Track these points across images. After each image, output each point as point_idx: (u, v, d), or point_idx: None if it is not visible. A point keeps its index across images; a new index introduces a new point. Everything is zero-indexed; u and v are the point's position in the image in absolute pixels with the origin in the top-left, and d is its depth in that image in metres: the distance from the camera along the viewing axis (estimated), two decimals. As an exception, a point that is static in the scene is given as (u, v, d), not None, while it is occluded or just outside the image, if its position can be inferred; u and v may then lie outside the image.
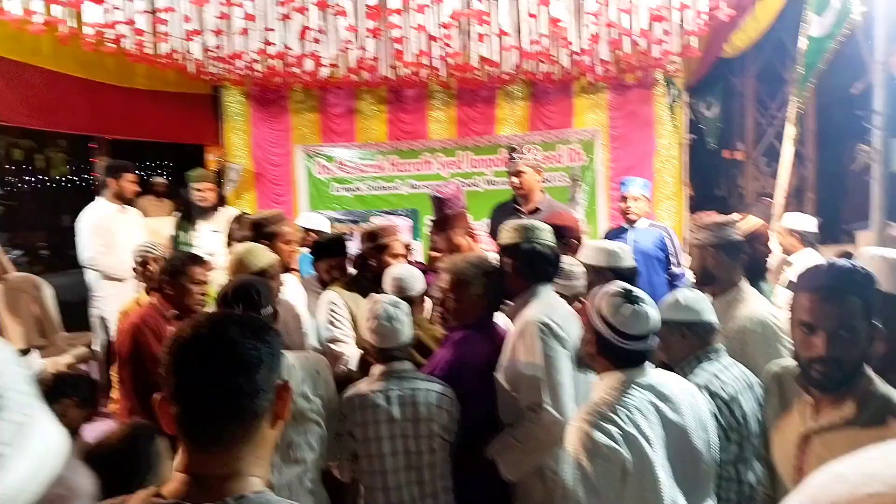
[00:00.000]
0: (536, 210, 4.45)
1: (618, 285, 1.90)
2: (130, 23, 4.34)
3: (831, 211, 6.84)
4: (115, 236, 4.57)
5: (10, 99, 5.10)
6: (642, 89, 7.28)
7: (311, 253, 3.73)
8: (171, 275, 3.08)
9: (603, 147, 7.41)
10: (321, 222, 4.96)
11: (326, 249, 3.56)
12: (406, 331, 2.40)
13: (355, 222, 7.48)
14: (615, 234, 4.50)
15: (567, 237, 3.25)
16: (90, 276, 5.17)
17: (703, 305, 2.21)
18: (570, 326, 2.36)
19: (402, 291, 2.77)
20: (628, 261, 2.86)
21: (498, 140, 7.50)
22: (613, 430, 1.73)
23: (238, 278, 2.48)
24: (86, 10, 4.25)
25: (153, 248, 3.92)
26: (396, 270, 2.95)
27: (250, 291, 2.27)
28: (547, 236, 2.53)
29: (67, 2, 4.19)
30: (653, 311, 1.87)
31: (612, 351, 1.86)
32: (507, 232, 2.57)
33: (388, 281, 2.89)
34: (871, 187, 3.20)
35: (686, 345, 2.19)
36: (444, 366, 2.50)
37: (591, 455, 1.72)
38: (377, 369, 2.42)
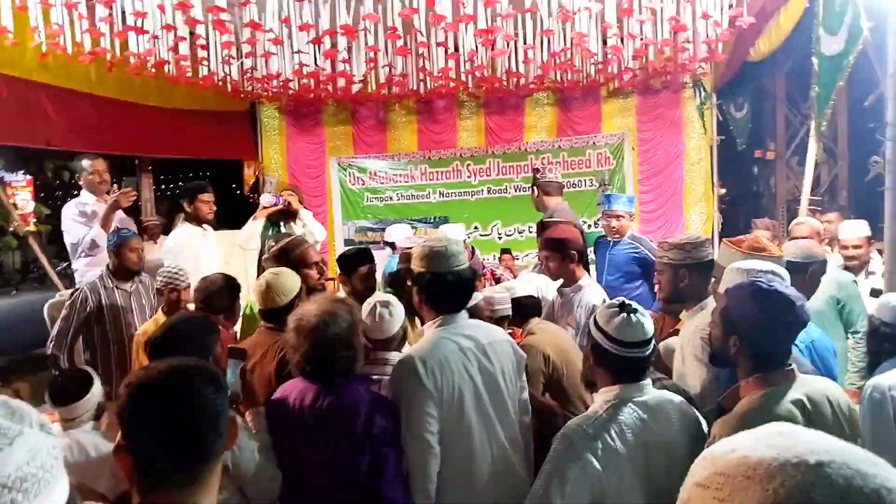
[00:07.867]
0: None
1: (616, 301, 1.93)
2: (173, 50, 4.58)
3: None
4: (198, 259, 4.43)
5: (61, 124, 5.41)
6: (671, 92, 7.32)
7: (339, 267, 3.81)
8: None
9: (632, 151, 7.47)
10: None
11: (354, 260, 3.62)
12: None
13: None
14: (600, 245, 4.49)
15: (568, 250, 3.16)
16: None
17: None
18: (452, 366, 2.13)
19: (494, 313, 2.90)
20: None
21: (526, 147, 7.62)
22: (598, 445, 1.72)
23: (172, 320, 2.41)
24: (130, 39, 4.50)
25: (179, 274, 3.85)
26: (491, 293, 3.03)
27: (178, 341, 2.18)
28: (450, 261, 2.23)
29: (114, 34, 4.46)
30: (647, 321, 1.86)
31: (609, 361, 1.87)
32: (414, 258, 2.32)
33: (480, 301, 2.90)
34: (885, 197, 3.24)
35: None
36: None
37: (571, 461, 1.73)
38: None
